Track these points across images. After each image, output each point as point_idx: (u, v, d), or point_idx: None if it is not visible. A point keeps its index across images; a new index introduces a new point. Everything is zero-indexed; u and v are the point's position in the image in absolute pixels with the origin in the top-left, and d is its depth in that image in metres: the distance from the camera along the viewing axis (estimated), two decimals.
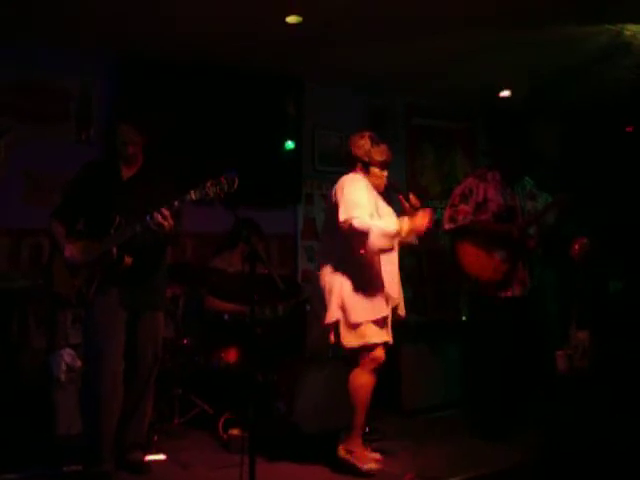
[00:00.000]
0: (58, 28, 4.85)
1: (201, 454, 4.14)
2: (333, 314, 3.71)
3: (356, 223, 3.61)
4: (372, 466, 3.72)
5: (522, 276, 4.51)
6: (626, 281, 5.89)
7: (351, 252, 3.73)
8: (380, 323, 3.75)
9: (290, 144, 6.08)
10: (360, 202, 3.69)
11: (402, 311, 3.96)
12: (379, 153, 3.87)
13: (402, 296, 3.97)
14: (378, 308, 3.73)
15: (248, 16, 4.65)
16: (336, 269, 3.78)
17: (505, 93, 6.47)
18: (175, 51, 5.29)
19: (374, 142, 3.89)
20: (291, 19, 4.70)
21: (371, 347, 3.75)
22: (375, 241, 3.59)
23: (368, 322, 3.71)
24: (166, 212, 3.50)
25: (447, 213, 4.68)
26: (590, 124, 6.70)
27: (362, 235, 3.61)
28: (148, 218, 3.51)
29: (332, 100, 6.30)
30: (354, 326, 3.70)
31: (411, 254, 6.24)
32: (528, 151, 4.79)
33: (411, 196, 3.94)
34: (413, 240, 4.04)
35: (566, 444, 4.23)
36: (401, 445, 4.31)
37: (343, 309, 3.71)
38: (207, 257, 5.22)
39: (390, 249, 3.69)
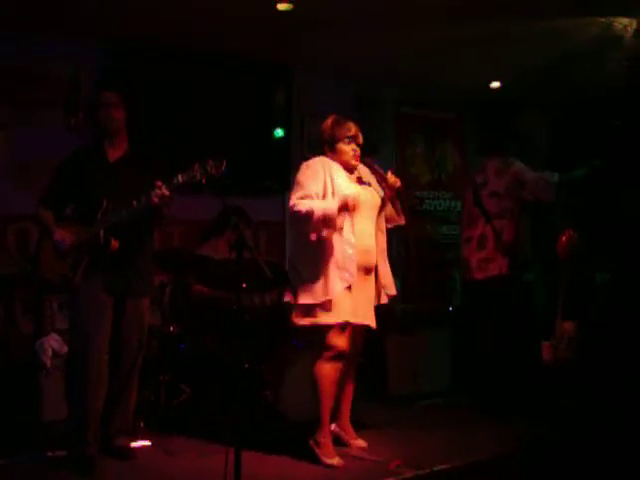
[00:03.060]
0: (45, 15, 4.78)
1: (187, 441, 4.15)
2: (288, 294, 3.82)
3: (295, 208, 3.69)
4: (334, 461, 3.74)
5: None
6: (613, 273, 5.92)
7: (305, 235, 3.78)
8: (327, 306, 3.72)
9: (279, 132, 6.06)
10: (305, 184, 3.76)
11: (391, 290, 3.99)
12: (341, 128, 3.90)
13: (389, 275, 4.00)
14: (324, 291, 3.71)
15: (239, 2, 4.62)
16: (298, 250, 3.87)
17: (495, 84, 6.47)
18: (164, 39, 5.23)
19: (337, 120, 3.94)
20: (282, 6, 4.67)
21: (323, 330, 3.76)
22: (315, 221, 3.65)
23: (315, 304, 3.73)
24: (164, 188, 3.54)
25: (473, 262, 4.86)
26: (579, 117, 6.71)
27: (303, 219, 3.68)
28: (152, 193, 3.53)
29: (321, 89, 6.26)
30: (301, 307, 3.75)
31: (399, 243, 6.25)
32: (519, 143, 4.87)
33: (388, 175, 3.95)
34: (399, 217, 4.10)
35: (552, 434, 4.26)
36: (387, 433, 4.35)
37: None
38: (194, 244, 5.21)
39: (333, 229, 3.69)
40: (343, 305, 3.72)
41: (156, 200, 3.54)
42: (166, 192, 3.54)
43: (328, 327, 3.75)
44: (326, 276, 3.71)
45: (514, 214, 4.88)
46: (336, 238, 3.74)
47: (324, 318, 3.73)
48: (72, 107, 5.29)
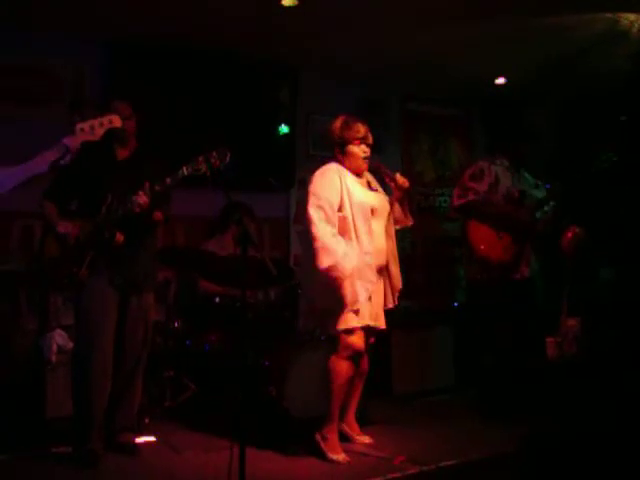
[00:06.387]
0: (50, 12, 4.80)
1: (191, 437, 4.16)
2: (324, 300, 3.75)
3: (315, 231, 3.64)
4: (339, 457, 3.75)
5: (529, 258, 4.61)
6: (617, 269, 5.91)
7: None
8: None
9: (284, 128, 6.07)
10: (321, 195, 3.71)
11: (390, 303, 3.99)
12: (350, 130, 3.87)
13: (399, 278, 4.00)
14: (351, 300, 3.70)
15: (243, 1, 4.62)
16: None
17: (500, 80, 6.45)
18: (170, 36, 5.25)
19: (346, 122, 3.90)
20: (287, 2, 4.66)
21: (348, 332, 3.75)
22: (322, 260, 3.60)
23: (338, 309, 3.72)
24: (143, 196, 3.55)
25: (456, 191, 4.74)
26: (585, 113, 6.69)
27: (314, 248, 3.63)
28: (132, 199, 3.55)
29: (327, 87, 6.28)
30: (330, 312, 3.73)
31: (404, 240, 6.24)
32: (528, 141, 4.84)
33: (397, 176, 3.93)
34: (407, 219, 4.08)
35: (557, 432, 4.25)
36: (392, 429, 4.35)
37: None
38: (198, 240, 5.21)
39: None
40: (365, 309, 3.76)
41: (136, 209, 3.56)
42: (145, 200, 3.55)
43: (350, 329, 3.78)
44: (351, 286, 3.70)
45: None
46: (354, 247, 3.73)
47: (350, 322, 3.74)
48: (76, 103, 5.29)
